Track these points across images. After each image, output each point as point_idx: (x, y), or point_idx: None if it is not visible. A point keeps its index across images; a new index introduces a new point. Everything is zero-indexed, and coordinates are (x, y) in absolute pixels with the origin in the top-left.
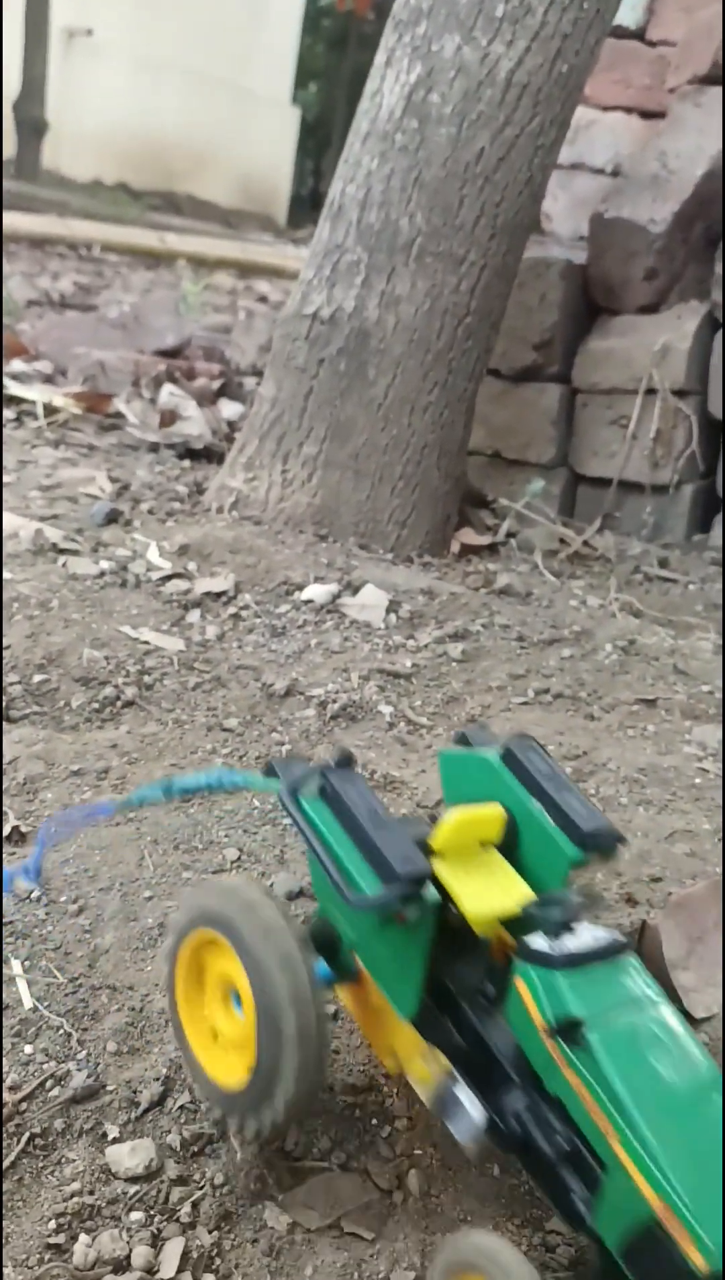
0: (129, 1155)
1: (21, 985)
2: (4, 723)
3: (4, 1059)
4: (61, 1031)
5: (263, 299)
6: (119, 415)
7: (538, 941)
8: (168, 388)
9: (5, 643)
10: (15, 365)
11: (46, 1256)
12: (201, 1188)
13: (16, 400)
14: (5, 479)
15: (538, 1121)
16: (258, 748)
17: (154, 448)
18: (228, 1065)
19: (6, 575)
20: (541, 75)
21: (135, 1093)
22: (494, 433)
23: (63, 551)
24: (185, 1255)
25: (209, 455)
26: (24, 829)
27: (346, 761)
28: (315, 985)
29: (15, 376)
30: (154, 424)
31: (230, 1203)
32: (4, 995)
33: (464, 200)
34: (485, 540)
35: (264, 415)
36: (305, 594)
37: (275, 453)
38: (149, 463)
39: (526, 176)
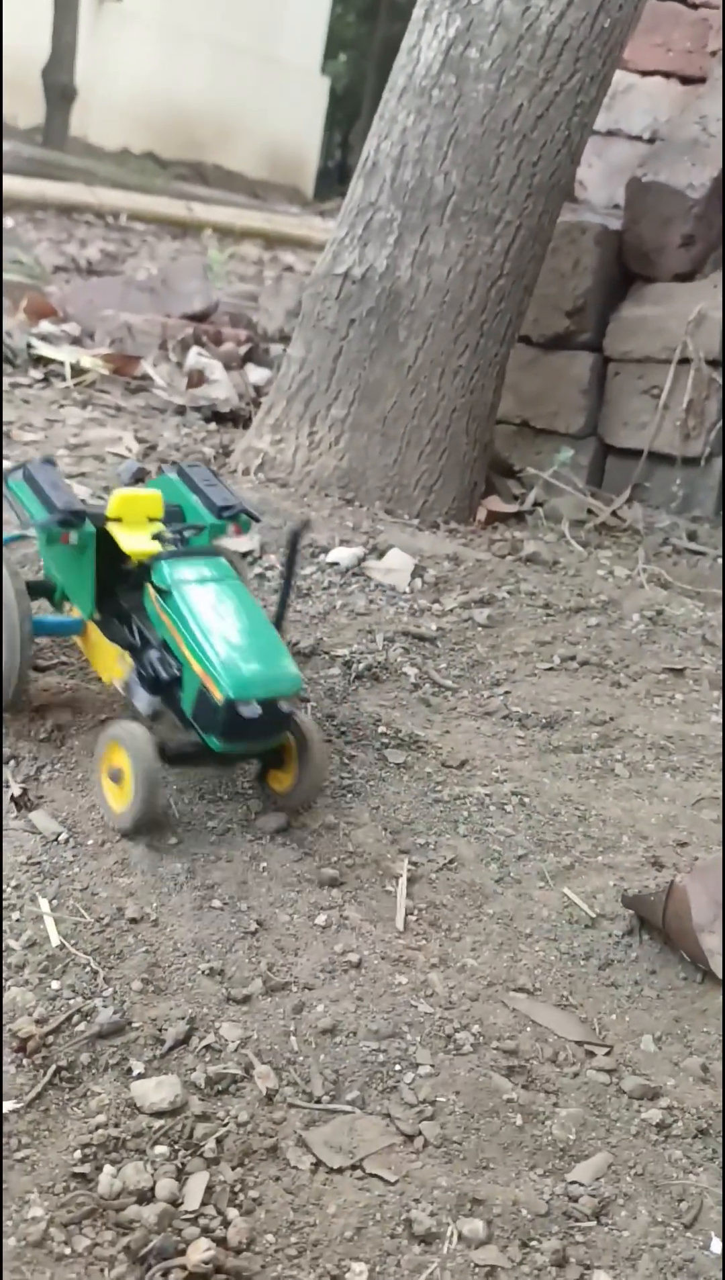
0: (154, 1090)
1: (49, 923)
2: (32, 671)
3: (31, 993)
4: (88, 969)
5: (289, 269)
6: (146, 377)
7: (161, 553)
8: (195, 350)
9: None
10: (43, 326)
11: (72, 1185)
12: (225, 1125)
13: (45, 360)
14: (34, 436)
15: (161, 662)
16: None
17: (180, 410)
18: None
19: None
20: (583, 30)
21: (160, 1030)
22: (523, 401)
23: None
24: (209, 1189)
25: (235, 419)
26: (45, 776)
27: (49, 460)
28: (24, 618)
29: (43, 337)
30: (181, 387)
31: (254, 1140)
32: (31, 932)
33: (501, 158)
34: (512, 508)
35: (292, 376)
36: (330, 556)
37: (303, 415)
38: (176, 425)
39: (565, 135)
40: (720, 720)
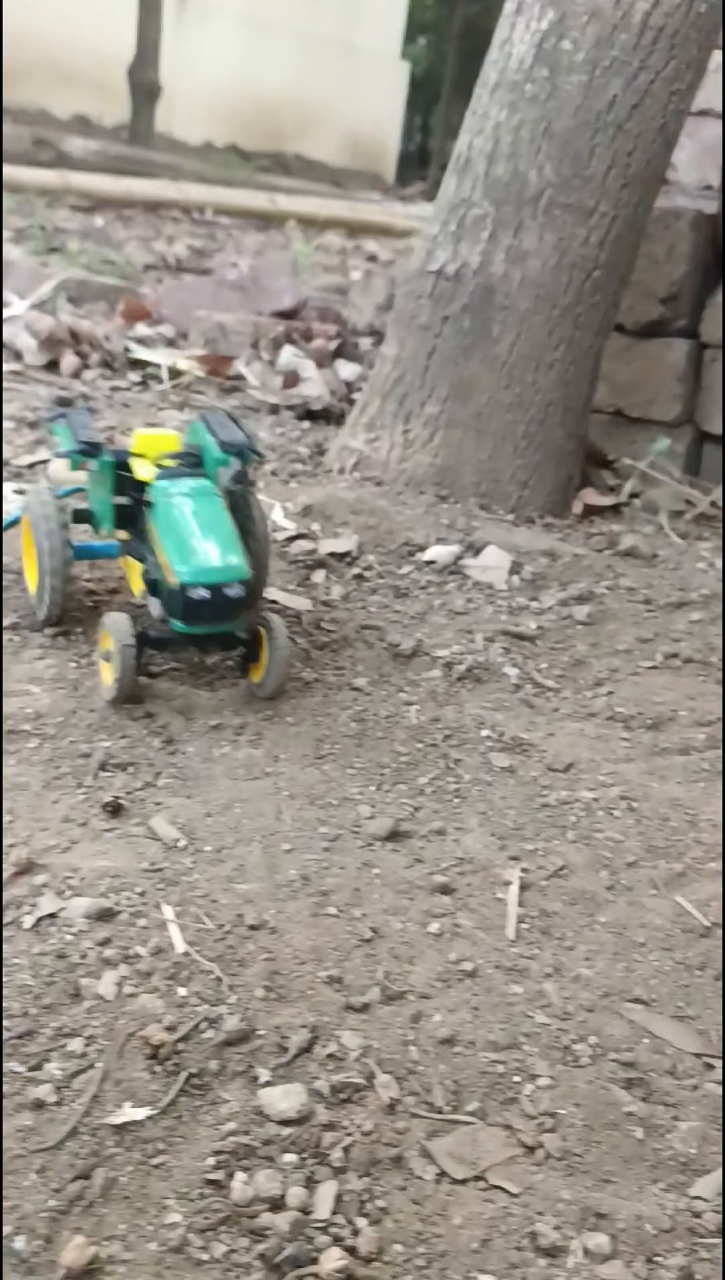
0: (281, 1098)
1: (174, 930)
2: (141, 678)
3: (160, 1000)
4: (212, 976)
5: (372, 258)
6: (239, 377)
7: (158, 474)
8: (288, 349)
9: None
10: (139, 329)
11: (206, 1191)
12: (351, 1134)
13: (142, 364)
14: None
15: (153, 565)
16: (387, 707)
17: (274, 409)
18: (33, 582)
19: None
20: (678, 17)
21: (284, 1038)
22: (617, 389)
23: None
24: (338, 1198)
25: (327, 416)
26: (161, 783)
27: (86, 410)
28: (64, 539)
29: (140, 340)
30: (273, 385)
31: (379, 1150)
32: (156, 939)
33: (595, 150)
34: (608, 501)
35: (386, 375)
36: (427, 555)
37: (397, 413)
38: (270, 424)
39: (660, 124)
40: None
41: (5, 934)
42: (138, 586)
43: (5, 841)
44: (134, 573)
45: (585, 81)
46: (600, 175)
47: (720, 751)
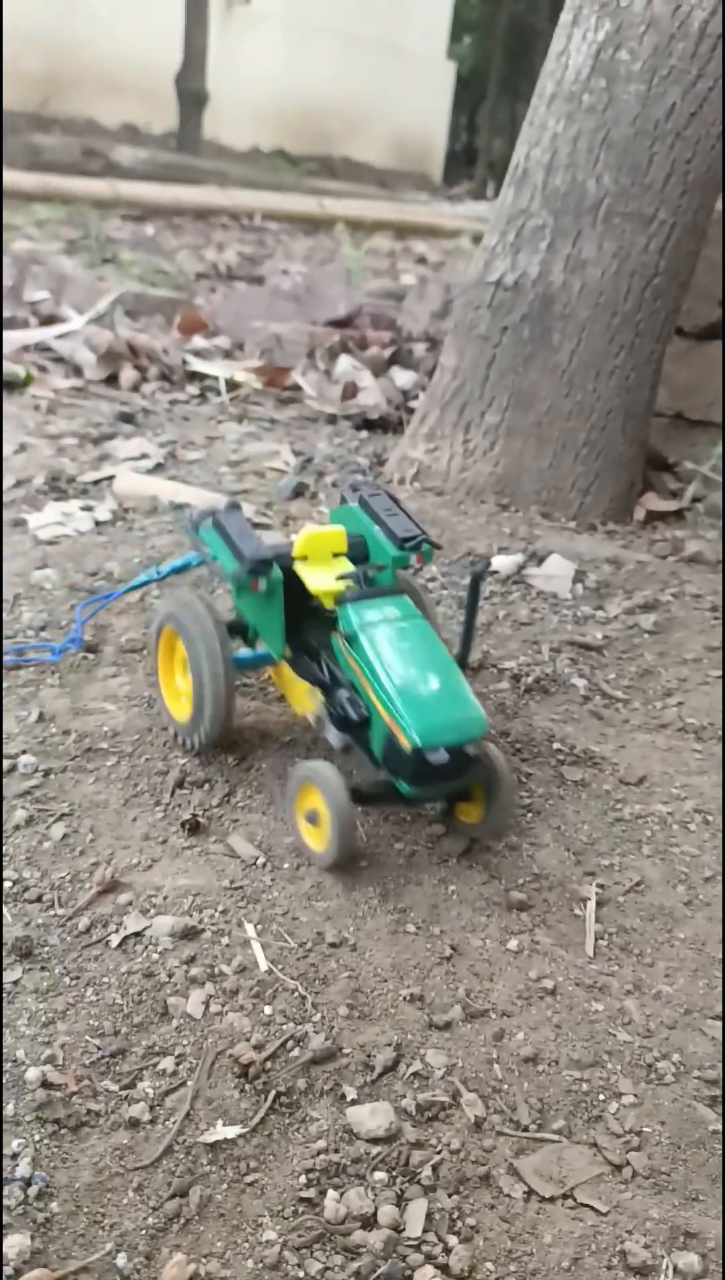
0: (369, 1117)
1: (256, 948)
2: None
3: (246, 1018)
4: (296, 994)
5: (422, 259)
6: (296, 388)
7: (345, 595)
8: (345, 359)
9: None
10: (196, 341)
11: (300, 1209)
12: (439, 1152)
13: (199, 376)
14: (197, 455)
15: (351, 702)
16: None
17: (332, 419)
18: (180, 707)
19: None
20: None
21: (369, 1056)
22: (676, 393)
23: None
24: (428, 1215)
25: (385, 425)
26: (238, 801)
27: (235, 506)
28: (226, 659)
29: (197, 353)
30: (330, 396)
31: (467, 1168)
32: (241, 958)
33: (654, 158)
34: (671, 506)
35: (445, 385)
36: (491, 565)
37: (457, 423)
38: (328, 435)
39: (719, 130)
40: None
41: (93, 953)
42: (302, 707)
43: (88, 860)
44: (294, 690)
45: (643, 91)
46: (659, 183)
47: None
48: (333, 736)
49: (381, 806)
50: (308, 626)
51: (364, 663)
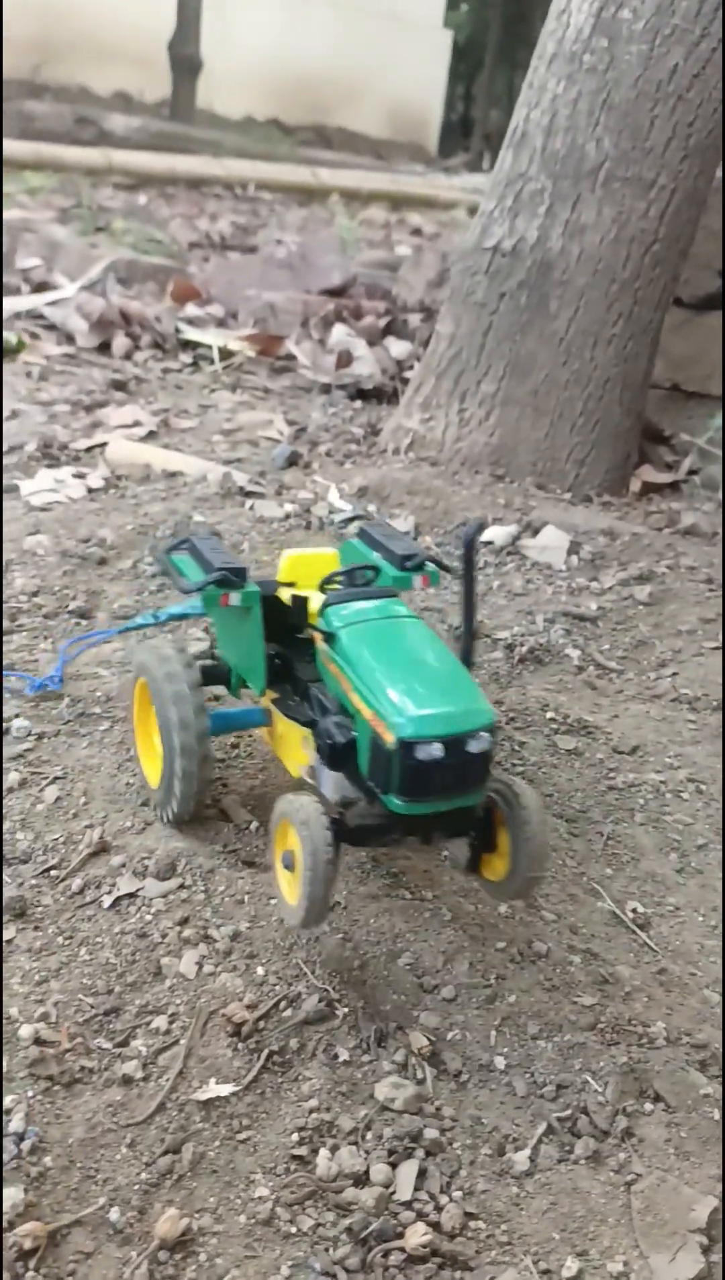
0: (361, 1078)
1: (250, 909)
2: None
3: (239, 979)
4: (289, 956)
5: (417, 231)
6: (290, 357)
7: (328, 598)
8: (340, 328)
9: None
10: (189, 309)
11: (292, 1166)
12: (435, 1116)
13: (192, 344)
14: (190, 423)
15: (337, 726)
16: None
17: (326, 389)
18: (155, 771)
19: (199, 516)
20: None
21: (362, 1018)
22: (673, 364)
23: (249, 495)
24: (421, 1174)
25: (379, 395)
26: (231, 762)
27: (212, 533)
28: (198, 711)
29: (190, 321)
30: (324, 365)
31: (457, 1134)
32: (233, 919)
33: (655, 121)
34: (667, 478)
35: (441, 354)
36: (485, 535)
37: (452, 392)
38: (322, 404)
39: (722, 93)
40: None
41: (86, 913)
42: (295, 763)
43: (81, 823)
44: (287, 746)
45: (645, 51)
46: (660, 147)
47: None
48: (328, 785)
49: (378, 843)
50: (297, 664)
51: (344, 660)
